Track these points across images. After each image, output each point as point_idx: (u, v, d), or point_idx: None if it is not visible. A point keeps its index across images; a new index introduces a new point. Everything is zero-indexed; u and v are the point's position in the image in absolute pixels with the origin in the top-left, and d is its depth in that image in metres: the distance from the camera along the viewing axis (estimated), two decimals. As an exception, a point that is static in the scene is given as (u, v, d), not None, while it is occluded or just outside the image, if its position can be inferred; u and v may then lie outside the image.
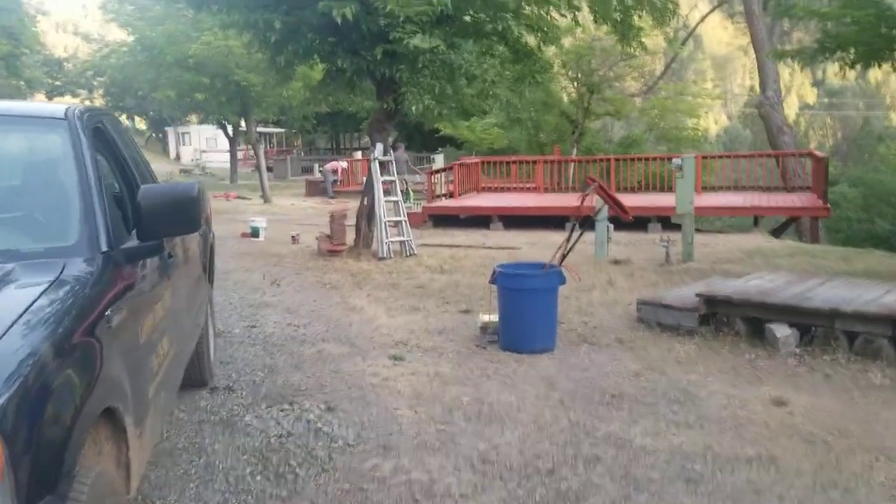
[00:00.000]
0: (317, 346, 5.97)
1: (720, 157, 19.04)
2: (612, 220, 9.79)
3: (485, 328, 6.14)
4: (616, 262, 9.99)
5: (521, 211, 15.22)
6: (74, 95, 52.15)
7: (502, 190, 18.49)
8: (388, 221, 10.52)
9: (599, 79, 21.66)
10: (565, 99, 23.21)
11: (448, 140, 27.99)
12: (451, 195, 17.32)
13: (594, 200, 6.41)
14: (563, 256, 5.99)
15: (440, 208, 16.04)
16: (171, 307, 3.16)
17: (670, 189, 16.11)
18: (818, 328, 5.70)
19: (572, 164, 19.05)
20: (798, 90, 64.88)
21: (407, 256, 10.48)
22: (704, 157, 15.70)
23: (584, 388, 4.99)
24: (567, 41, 19.39)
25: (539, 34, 10.42)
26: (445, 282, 8.73)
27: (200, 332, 4.42)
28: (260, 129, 40.54)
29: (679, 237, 10.26)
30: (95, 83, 41.75)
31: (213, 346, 5.16)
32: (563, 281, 5.81)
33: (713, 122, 54.17)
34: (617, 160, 17.98)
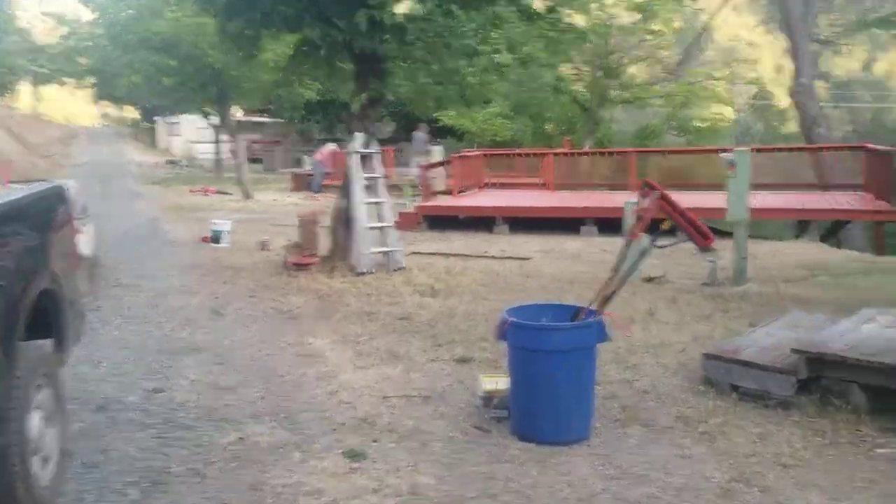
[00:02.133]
0: (241, 428, 4.06)
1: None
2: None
3: (488, 399, 4.22)
4: (650, 279, 8.06)
5: (530, 212, 13.22)
6: (61, 84, 49.84)
7: (507, 187, 16.45)
8: (369, 228, 8.58)
9: (615, 62, 19.53)
10: (577, 85, 21.07)
11: (448, 131, 25.89)
12: (449, 192, 15.30)
13: (653, 214, 4.47)
14: (607, 299, 4.04)
15: (437, 208, 14.06)
16: None
17: (697, 188, 14.20)
18: None
19: (586, 157, 16.95)
20: (805, 82, 63.15)
21: (393, 271, 8.54)
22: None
23: (648, 524, 3.09)
24: (580, 19, 17.34)
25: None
26: (437, 309, 6.80)
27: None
28: (254, 118, 38.46)
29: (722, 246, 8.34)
30: (81, 69, 39.32)
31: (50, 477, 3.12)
32: (604, 338, 3.89)
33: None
34: (638, 154, 15.94)
